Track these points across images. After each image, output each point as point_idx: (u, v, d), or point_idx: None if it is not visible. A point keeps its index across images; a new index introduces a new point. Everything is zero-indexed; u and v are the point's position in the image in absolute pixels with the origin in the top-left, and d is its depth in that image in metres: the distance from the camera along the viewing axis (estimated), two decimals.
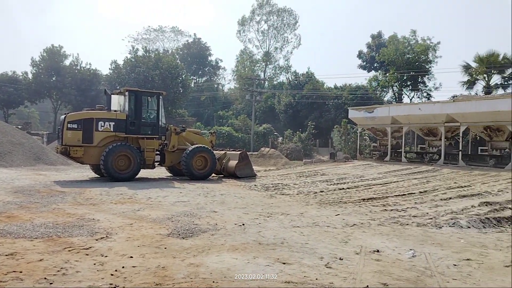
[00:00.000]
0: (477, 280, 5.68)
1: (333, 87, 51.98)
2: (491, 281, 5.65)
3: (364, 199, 12.53)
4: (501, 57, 35.87)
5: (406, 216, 10.33)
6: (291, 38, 67.58)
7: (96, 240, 7.14)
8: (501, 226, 9.55)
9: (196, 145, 18.04)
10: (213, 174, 19.03)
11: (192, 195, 13.09)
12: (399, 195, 13.23)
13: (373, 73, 49.19)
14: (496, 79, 37.37)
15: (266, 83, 65.61)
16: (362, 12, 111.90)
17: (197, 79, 69.65)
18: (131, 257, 6.16)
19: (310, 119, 43.82)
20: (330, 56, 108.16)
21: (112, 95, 18.05)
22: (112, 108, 17.65)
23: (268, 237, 7.64)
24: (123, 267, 5.66)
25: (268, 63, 67.30)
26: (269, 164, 31.08)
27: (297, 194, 13.82)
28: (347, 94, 45.57)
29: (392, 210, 11.05)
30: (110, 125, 16.47)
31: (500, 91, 35.62)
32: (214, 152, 18.67)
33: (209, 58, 68.57)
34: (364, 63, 49.69)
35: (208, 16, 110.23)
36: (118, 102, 17.84)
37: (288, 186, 15.63)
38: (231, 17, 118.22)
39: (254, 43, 70.54)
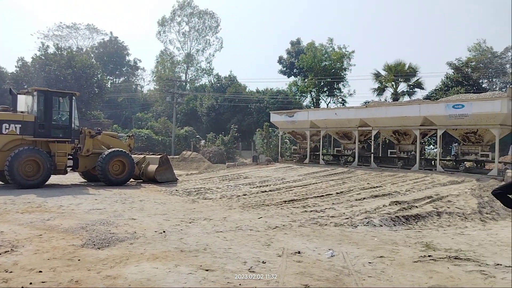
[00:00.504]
0: (390, 276, 6.01)
1: (255, 90, 52.81)
2: (402, 276, 6.01)
3: (285, 201, 12.79)
4: (407, 66, 39.03)
5: (325, 216, 10.72)
6: (213, 41, 67.37)
7: None
8: (409, 224, 10.29)
9: (113, 149, 17.20)
10: (132, 180, 18.28)
11: (108, 202, 12.41)
12: (318, 196, 13.70)
13: (292, 78, 50.81)
14: (402, 86, 40.62)
15: (188, 85, 64.75)
16: (282, 18, 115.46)
17: (114, 80, 66.67)
18: (40, 271, 5.62)
19: (232, 122, 44.04)
20: (252, 60, 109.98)
21: (18, 95, 16.57)
22: (18, 109, 16.18)
23: (191, 244, 7.45)
24: (30, 283, 5.15)
25: (190, 65, 66.52)
26: (191, 168, 30.63)
27: (220, 198, 13.72)
28: (269, 98, 46.55)
29: (311, 211, 11.40)
30: (16, 127, 15.10)
31: (406, 98, 38.72)
32: (132, 156, 17.94)
33: (127, 58, 66.04)
34: (284, 69, 51.12)
35: (125, 15, 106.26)
36: (25, 103, 16.40)
37: (211, 190, 15.48)
38: (150, 16, 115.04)
39: (175, 44, 69.24)
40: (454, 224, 10.47)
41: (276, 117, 27.94)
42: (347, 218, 10.48)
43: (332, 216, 10.74)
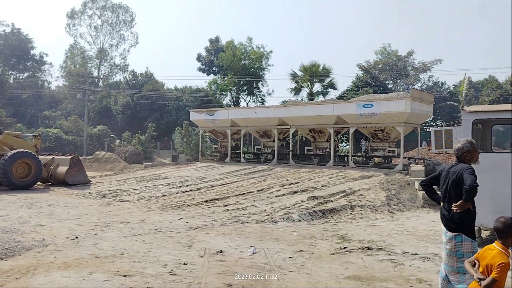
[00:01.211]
0: (309, 269, 6.20)
1: (173, 88, 51.66)
2: (321, 269, 6.24)
3: (206, 201, 12.68)
4: (321, 67, 40.84)
5: (246, 214, 10.80)
6: (128, 36, 64.48)
7: None
8: (325, 218, 10.75)
9: (17, 150, 15.78)
10: (39, 183, 16.91)
11: (12, 207, 11.33)
12: (239, 194, 13.77)
13: (212, 76, 50.60)
14: (317, 86, 42.42)
15: (101, 81, 61.44)
16: (201, 15, 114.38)
17: (18, 75, 61.10)
18: None
19: (150, 121, 42.65)
20: (170, 57, 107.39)
21: None
22: None
23: (106, 249, 7.04)
24: None
25: (103, 60, 63.10)
26: (106, 169, 29.12)
27: (138, 200, 13.20)
28: (188, 96, 45.84)
29: (233, 209, 11.43)
30: None
31: (321, 98, 40.53)
32: (39, 157, 16.60)
33: (32, 52, 60.86)
34: (204, 67, 50.69)
35: (29, 5, 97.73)
36: None
37: (128, 192, 14.84)
38: (58, 7, 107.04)
39: (86, 38, 65.12)
40: (366, 216, 11.15)
41: (196, 116, 27.60)
42: (268, 215, 10.66)
43: (254, 214, 10.86)
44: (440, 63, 40.50)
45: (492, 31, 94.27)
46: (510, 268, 3.11)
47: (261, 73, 45.52)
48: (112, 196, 13.97)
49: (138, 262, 6.29)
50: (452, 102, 35.01)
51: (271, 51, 45.76)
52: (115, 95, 50.73)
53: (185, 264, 6.26)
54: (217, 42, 50.57)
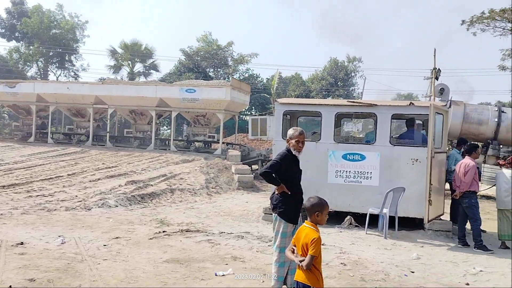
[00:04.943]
0: (126, 256, 5.93)
1: None
2: (138, 254, 6.03)
3: (4, 186, 10.92)
4: (143, 47, 39.55)
5: (54, 201, 9.74)
6: None
7: None
8: (144, 202, 10.49)
9: None
10: None
11: None
12: (45, 179, 12.28)
13: (14, 43, 43.62)
14: (139, 67, 40.97)
15: None
16: None
17: None
18: None
19: None
20: None
21: None
22: None
23: None
24: None
25: None
26: None
27: None
28: None
29: (38, 196, 10.16)
30: None
31: (143, 79, 39.32)
32: None
33: None
34: (3, 31, 43.30)
35: None
36: None
37: None
38: None
39: None
40: (185, 200, 11.32)
41: None
42: (80, 201, 9.84)
43: (63, 200, 9.87)
44: (256, 57, 43.77)
45: (301, 34, 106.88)
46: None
47: (75, 46, 41.44)
48: None
49: None
50: (265, 94, 38.33)
51: (86, 21, 42.05)
52: None
53: None
54: (22, 5, 43.77)
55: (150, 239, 6.94)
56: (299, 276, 3.37)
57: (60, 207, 9.20)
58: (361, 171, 8.40)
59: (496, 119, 12.99)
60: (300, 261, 3.30)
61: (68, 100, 22.23)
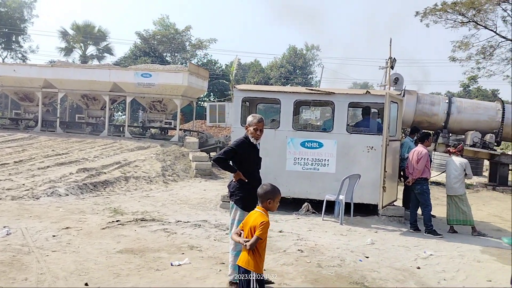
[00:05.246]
0: (76, 247, 5.67)
1: None
2: (90, 245, 5.78)
3: None
4: (96, 29, 37.91)
5: None
6: None
7: None
8: (97, 191, 10.10)
9: None
10: None
11: None
12: None
13: None
14: (92, 49, 39.27)
15: None
16: None
17: None
18: None
19: None
20: None
21: None
22: None
23: None
24: None
25: None
26: None
27: None
28: None
29: None
30: None
31: (96, 62, 37.74)
32: None
33: None
34: None
35: None
36: None
37: None
38: None
39: None
40: (140, 188, 11.01)
41: None
42: (28, 190, 9.33)
43: (9, 189, 9.32)
44: (215, 42, 43.14)
45: (261, 22, 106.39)
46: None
47: (22, 26, 39.07)
48: None
49: None
50: (224, 80, 37.96)
51: (35, 0, 39.71)
52: None
53: None
54: None
55: (103, 229, 6.67)
56: (241, 260, 3.45)
57: (6, 196, 8.68)
58: (319, 158, 8.48)
59: (446, 109, 13.53)
60: (245, 241, 3.36)
61: (14, 83, 21.00)
